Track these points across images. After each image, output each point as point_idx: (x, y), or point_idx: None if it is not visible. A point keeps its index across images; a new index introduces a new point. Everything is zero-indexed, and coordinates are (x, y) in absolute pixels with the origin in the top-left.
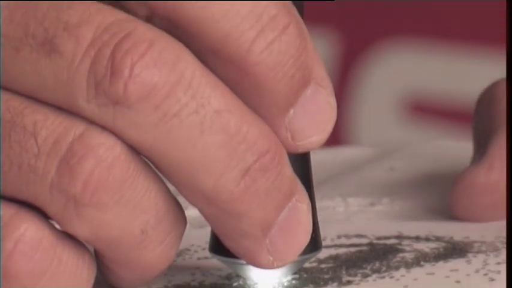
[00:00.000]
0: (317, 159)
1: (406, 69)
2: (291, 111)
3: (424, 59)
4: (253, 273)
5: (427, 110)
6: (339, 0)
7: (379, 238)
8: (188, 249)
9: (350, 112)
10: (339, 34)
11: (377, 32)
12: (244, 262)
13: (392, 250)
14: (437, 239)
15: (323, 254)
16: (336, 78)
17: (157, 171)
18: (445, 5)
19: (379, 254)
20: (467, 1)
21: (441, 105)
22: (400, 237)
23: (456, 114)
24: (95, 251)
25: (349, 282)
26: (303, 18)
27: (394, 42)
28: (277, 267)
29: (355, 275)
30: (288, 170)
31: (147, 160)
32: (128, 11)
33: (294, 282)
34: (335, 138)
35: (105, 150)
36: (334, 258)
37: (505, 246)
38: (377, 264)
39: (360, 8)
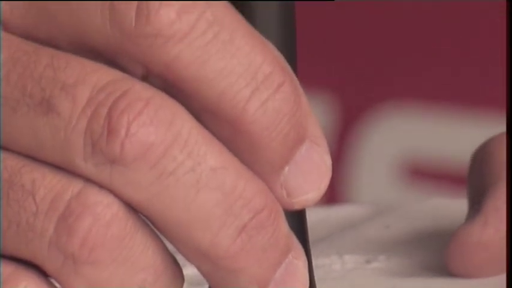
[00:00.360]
0: (314, 217)
1: (404, 133)
2: (286, 168)
3: (422, 123)
4: None
5: (425, 174)
6: (335, 63)
7: None
8: None
9: (348, 174)
10: (337, 98)
11: (375, 96)
12: None
13: None
14: None
15: None
16: (334, 141)
17: (154, 228)
18: (443, 69)
19: None
20: (464, 65)
21: (439, 169)
22: None
23: (455, 179)
24: None
25: None
26: (295, 22)
27: (391, 106)
28: None
29: None
30: (284, 227)
31: (144, 218)
32: (123, 70)
33: None
34: (333, 197)
35: (103, 208)
36: None
37: None
38: None
39: (358, 72)
